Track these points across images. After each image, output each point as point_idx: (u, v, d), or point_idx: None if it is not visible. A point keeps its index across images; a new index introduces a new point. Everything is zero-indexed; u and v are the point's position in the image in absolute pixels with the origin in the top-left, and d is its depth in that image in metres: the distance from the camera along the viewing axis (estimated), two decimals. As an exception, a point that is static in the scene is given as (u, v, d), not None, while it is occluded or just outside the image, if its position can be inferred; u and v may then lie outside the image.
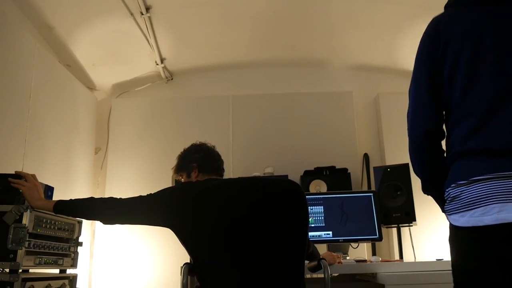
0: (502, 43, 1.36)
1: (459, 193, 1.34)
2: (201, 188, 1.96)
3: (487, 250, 1.26)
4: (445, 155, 1.47)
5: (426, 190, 1.56)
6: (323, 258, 2.18)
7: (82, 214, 2.11)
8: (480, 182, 1.28)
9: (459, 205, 1.33)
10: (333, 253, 2.66)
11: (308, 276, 2.30)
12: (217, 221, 1.86)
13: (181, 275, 1.94)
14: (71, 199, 2.09)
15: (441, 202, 1.48)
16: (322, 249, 2.72)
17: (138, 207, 2.00)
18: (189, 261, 1.99)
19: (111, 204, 2.03)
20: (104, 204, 2.03)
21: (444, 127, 1.48)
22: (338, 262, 2.60)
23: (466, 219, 1.30)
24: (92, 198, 2.07)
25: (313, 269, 2.19)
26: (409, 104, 1.50)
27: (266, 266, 1.84)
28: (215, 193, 1.92)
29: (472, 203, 1.28)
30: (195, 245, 1.90)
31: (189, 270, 1.89)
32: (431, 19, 1.56)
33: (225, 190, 1.96)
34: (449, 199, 1.39)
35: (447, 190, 1.40)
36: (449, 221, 1.42)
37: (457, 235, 1.38)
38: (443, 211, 1.48)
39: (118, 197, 2.04)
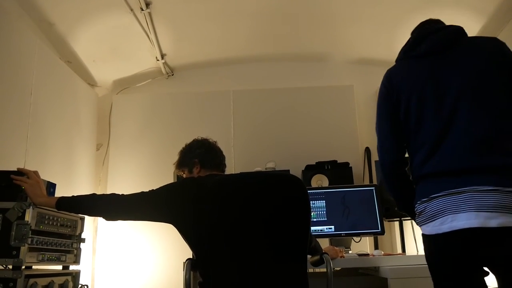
0: (440, 90, 1.69)
1: (423, 208, 1.66)
2: (202, 184, 1.95)
3: (445, 251, 1.59)
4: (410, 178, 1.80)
5: (400, 208, 1.91)
6: (325, 253, 2.18)
7: (85, 211, 2.11)
8: (437, 198, 1.60)
9: (425, 218, 1.66)
10: (335, 247, 2.67)
11: (310, 270, 2.30)
12: (218, 217, 1.87)
13: (183, 270, 1.95)
14: (73, 196, 2.09)
15: (413, 217, 1.79)
16: (324, 243, 2.72)
17: (140, 203, 2.01)
18: (191, 257, 2.00)
19: (113, 200, 2.03)
20: (106, 201, 2.04)
21: (406, 155, 1.82)
22: (341, 256, 2.60)
23: (430, 229, 1.62)
24: (94, 194, 2.08)
25: (316, 264, 2.20)
26: (377, 143, 1.88)
27: (267, 261, 1.84)
28: (215, 189, 1.92)
29: (433, 215, 1.61)
30: (196, 241, 1.90)
31: (191, 265, 1.91)
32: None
33: (225, 185, 1.95)
34: (417, 213, 1.71)
35: (415, 206, 1.73)
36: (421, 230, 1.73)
37: (426, 241, 1.70)
38: (417, 224, 1.77)
39: (120, 193, 2.04)
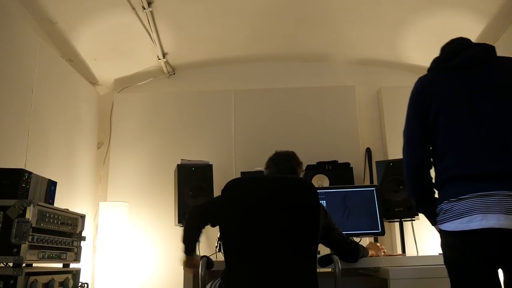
0: (471, 99, 1.82)
1: (450, 207, 1.76)
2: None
3: (470, 246, 1.70)
4: (433, 181, 1.91)
5: (419, 208, 1.98)
6: (333, 254, 2.22)
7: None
8: (466, 199, 1.71)
9: (450, 216, 1.76)
10: (377, 244, 2.66)
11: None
12: (230, 217, 2.03)
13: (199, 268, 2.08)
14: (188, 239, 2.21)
15: (432, 216, 1.89)
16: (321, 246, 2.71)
17: None
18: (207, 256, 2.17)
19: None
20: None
21: (431, 159, 1.92)
22: (383, 253, 2.62)
23: (455, 225, 1.73)
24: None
25: (323, 263, 2.21)
26: (403, 142, 1.99)
27: (276, 259, 1.97)
28: (227, 190, 2.05)
29: (461, 214, 1.71)
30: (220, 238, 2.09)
31: (207, 263, 2.11)
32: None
33: (236, 187, 2.07)
34: (442, 212, 1.81)
35: (439, 205, 1.83)
36: (440, 229, 1.83)
37: (447, 237, 1.80)
38: (433, 223, 1.90)
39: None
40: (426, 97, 1.91)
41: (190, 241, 2.17)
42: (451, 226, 1.75)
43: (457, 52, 1.96)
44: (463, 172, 1.77)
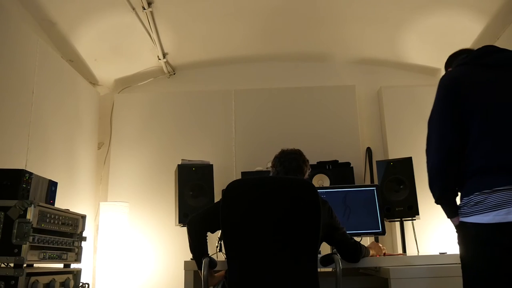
0: (505, 95, 1.85)
1: (483, 199, 1.74)
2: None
3: (509, 239, 1.68)
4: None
5: (443, 198, 1.93)
6: (334, 253, 2.22)
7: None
8: (502, 191, 1.70)
9: (484, 208, 1.73)
10: (379, 244, 2.66)
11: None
12: (230, 217, 2.04)
13: (200, 270, 2.10)
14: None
15: (453, 208, 1.88)
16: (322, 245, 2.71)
17: None
18: (209, 255, 2.17)
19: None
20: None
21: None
22: (384, 254, 2.61)
23: (491, 218, 1.70)
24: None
25: (324, 263, 2.21)
26: (432, 132, 1.99)
27: (276, 261, 1.97)
28: (227, 191, 2.07)
29: (497, 206, 1.69)
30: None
31: (209, 263, 2.11)
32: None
33: (235, 188, 2.08)
34: (470, 203, 1.78)
35: (467, 197, 1.80)
36: (465, 222, 1.80)
37: (480, 230, 1.74)
38: (453, 216, 1.88)
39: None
40: (458, 91, 1.90)
41: (199, 255, 2.17)
42: (485, 218, 1.72)
43: (489, 52, 1.98)
44: (499, 162, 1.76)
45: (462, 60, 2.04)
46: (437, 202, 1.96)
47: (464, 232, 1.84)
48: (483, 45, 2.01)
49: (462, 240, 1.85)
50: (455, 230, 1.92)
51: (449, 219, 1.95)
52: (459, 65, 2.05)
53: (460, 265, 1.85)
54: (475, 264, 1.77)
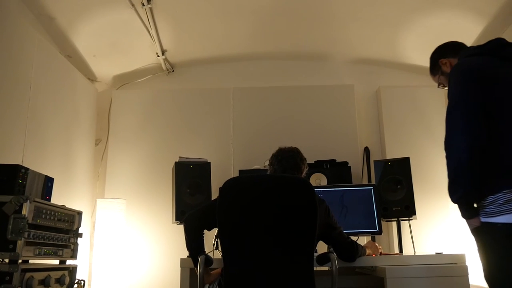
0: None
1: None
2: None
3: None
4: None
5: (465, 198, 1.79)
6: (331, 252, 2.22)
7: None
8: None
9: None
10: (375, 244, 2.66)
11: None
12: (226, 215, 2.04)
13: (196, 267, 2.11)
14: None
15: (474, 209, 1.76)
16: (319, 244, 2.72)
17: None
18: (205, 253, 2.17)
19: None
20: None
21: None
22: (380, 253, 2.61)
23: None
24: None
25: (321, 261, 2.21)
26: (455, 127, 1.79)
27: (273, 258, 1.98)
28: (224, 189, 2.07)
29: None
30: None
31: (205, 261, 2.12)
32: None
33: (233, 186, 2.08)
34: (497, 202, 1.69)
35: (494, 195, 1.70)
36: (492, 222, 1.70)
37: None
38: (473, 216, 1.76)
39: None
40: (485, 80, 1.80)
41: (195, 253, 2.17)
42: None
43: (503, 45, 1.93)
44: None
45: (475, 51, 1.95)
46: (457, 201, 1.82)
47: (492, 233, 1.72)
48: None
49: (488, 243, 1.75)
50: (473, 232, 1.81)
51: (464, 220, 1.83)
52: (471, 55, 1.95)
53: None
54: (505, 265, 1.67)
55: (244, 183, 2.12)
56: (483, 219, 1.73)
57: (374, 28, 3.79)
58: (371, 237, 3.44)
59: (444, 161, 1.80)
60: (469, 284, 2.27)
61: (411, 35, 3.78)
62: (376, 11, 3.56)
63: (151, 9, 3.37)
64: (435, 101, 4.02)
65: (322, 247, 2.58)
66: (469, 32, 3.50)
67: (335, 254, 2.22)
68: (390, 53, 4.13)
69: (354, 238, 3.11)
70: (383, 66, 4.31)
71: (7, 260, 1.99)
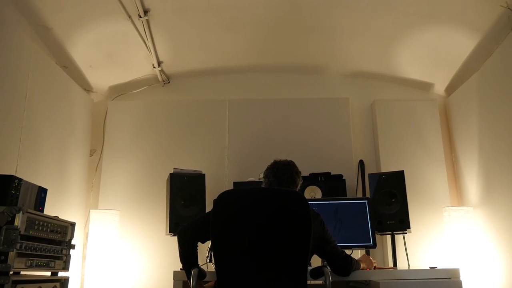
0: None
1: None
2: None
3: None
4: None
5: None
6: (324, 266, 2.21)
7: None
8: None
9: None
10: (370, 257, 2.66)
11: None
12: (218, 227, 2.04)
13: (189, 280, 2.09)
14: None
15: None
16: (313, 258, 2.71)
17: None
18: (199, 265, 2.16)
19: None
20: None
21: None
22: (374, 267, 2.60)
23: None
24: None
25: (314, 275, 2.20)
26: None
27: (263, 272, 1.97)
28: (216, 203, 2.06)
29: None
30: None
31: (198, 274, 2.11)
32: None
33: (224, 199, 2.07)
34: None
35: None
36: None
37: None
38: None
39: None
40: None
41: (188, 265, 2.16)
42: None
43: None
44: None
45: None
46: None
47: None
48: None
49: None
50: None
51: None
52: None
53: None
54: None
55: (239, 196, 2.11)
56: None
57: (369, 42, 3.82)
58: (366, 250, 3.43)
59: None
60: (463, 299, 2.27)
61: (406, 50, 3.81)
62: (371, 26, 3.59)
63: (147, 20, 3.39)
64: (430, 115, 4.03)
65: (316, 261, 2.57)
66: (463, 47, 3.53)
67: (329, 268, 2.21)
68: (385, 67, 4.16)
69: (348, 251, 3.10)
70: (378, 80, 4.34)
71: (-2, 272, 1.97)
